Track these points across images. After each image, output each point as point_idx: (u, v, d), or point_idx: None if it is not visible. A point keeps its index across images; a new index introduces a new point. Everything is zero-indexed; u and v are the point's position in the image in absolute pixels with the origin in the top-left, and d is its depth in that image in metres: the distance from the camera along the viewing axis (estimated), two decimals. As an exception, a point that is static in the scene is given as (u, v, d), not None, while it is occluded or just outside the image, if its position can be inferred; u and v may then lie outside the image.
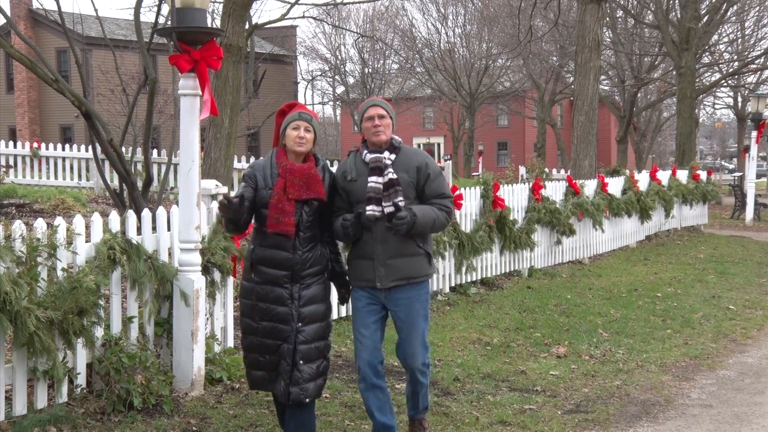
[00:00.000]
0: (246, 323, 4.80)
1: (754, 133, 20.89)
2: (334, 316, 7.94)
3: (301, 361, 4.68)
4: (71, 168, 17.35)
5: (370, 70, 44.91)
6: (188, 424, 5.26)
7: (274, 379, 4.74)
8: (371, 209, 4.77)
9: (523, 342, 7.80)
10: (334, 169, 5.03)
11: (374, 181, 4.79)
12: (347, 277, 5.04)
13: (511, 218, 10.62)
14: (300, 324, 4.71)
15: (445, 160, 32.99)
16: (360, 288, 4.95)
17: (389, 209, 4.75)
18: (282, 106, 4.96)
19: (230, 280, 6.55)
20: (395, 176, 4.79)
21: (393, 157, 4.86)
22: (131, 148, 12.26)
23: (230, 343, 6.66)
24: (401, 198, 4.78)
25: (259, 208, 4.73)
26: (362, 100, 44.20)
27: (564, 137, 41.26)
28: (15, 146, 17.86)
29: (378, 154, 4.85)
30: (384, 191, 4.77)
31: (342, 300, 5.13)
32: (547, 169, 19.43)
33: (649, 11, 28.96)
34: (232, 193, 5.13)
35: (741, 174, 29.06)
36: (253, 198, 4.74)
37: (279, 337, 4.70)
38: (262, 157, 5.18)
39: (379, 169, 4.81)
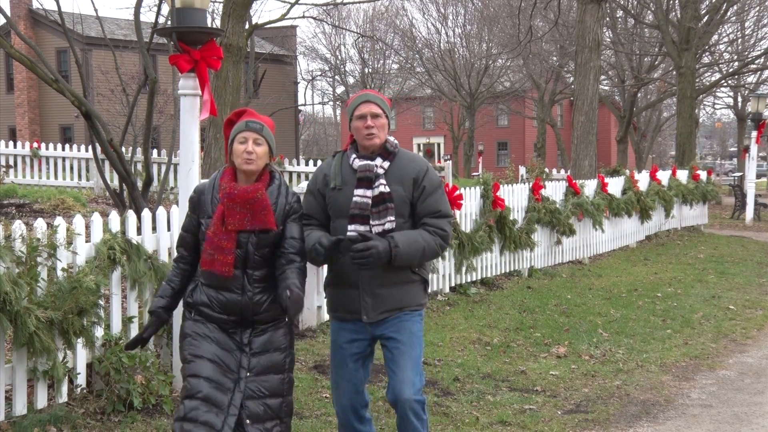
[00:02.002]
0: (184, 369, 3.95)
1: (754, 133, 20.90)
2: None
3: (247, 420, 3.78)
4: (71, 168, 17.37)
5: (370, 70, 44.92)
6: (188, 424, 5.26)
7: None
8: (353, 230, 3.95)
9: (523, 342, 7.81)
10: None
11: (361, 195, 3.96)
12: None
13: (511, 218, 10.62)
14: (249, 374, 3.87)
15: (445, 160, 33.03)
16: (340, 320, 4.17)
17: (377, 229, 3.95)
18: (230, 115, 4.14)
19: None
20: (387, 189, 3.96)
21: (386, 165, 4.02)
22: (131, 148, 12.26)
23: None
24: (392, 218, 3.95)
25: (202, 241, 3.93)
26: (362, 100, 44.22)
27: (564, 137, 41.28)
28: (15, 146, 17.89)
29: (368, 162, 4.00)
30: (373, 207, 3.95)
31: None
32: (547, 169, 19.44)
33: (649, 11, 28.97)
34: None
35: (741, 174, 29.07)
36: (196, 228, 3.98)
37: (218, 389, 3.82)
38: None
39: (368, 180, 3.97)
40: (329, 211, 4.08)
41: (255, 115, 4.04)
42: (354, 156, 4.06)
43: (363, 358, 4.15)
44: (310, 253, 3.98)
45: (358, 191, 3.98)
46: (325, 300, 4.24)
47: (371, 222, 3.95)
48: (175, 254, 4.16)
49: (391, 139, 4.12)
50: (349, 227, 3.97)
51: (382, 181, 3.98)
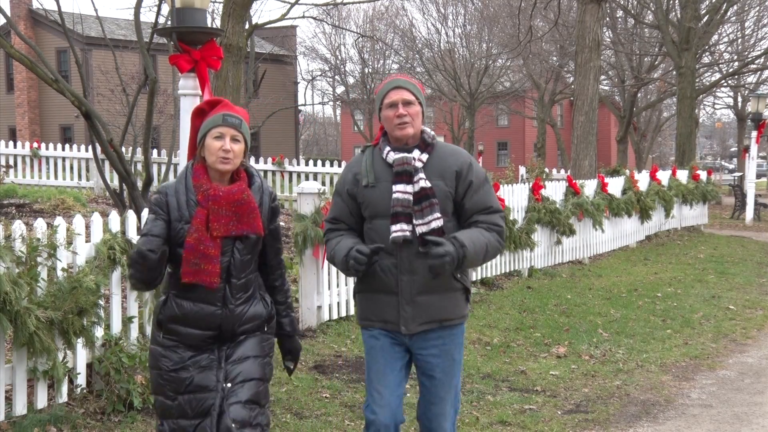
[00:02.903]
0: (159, 403, 3.55)
1: (754, 133, 20.93)
2: (329, 315, 7.93)
3: (234, 425, 3.40)
4: (71, 168, 17.38)
5: (370, 70, 44.91)
6: (188, 424, 5.26)
7: None
8: (399, 229, 3.55)
9: (523, 342, 7.81)
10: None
11: (401, 191, 3.56)
12: (293, 341, 3.77)
13: (511, 218, 10.62)
14: (230, 384, 3.47)
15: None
16: (374, 328, 3.75)
17: (422, 229, 3.54)
18: (200, 104, 3.66)
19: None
20: (428, 184, 3.57)
21: (425, 157, 3.63)
22: (131, 148, 12.27)
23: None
24: (438, 215, 3.56)
25: (175, 246, 3.46)
26: (362, 100, 44.28)
27: (564, 137, 41.28)
28: (15, 146, 17.89)
29: (405, 154, 3.61)
30: (415, 205, 3.55)
31: (289, 372, 3.85)
32: (547, 169, 19.43)
33: (649, 11, 28.97)
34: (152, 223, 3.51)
35: (741, 174, 29.08)
36: (166, 234, 3.44)
37: (198, 413, 3.45)
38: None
39: (407, 174, 3.57)
40: (364, 212, 3.68)
41: (231, 107, 3.55)
42: (388, 148, 3.65)
43: (404, 367, 3.75)
44: (346, 263, 3.58)
45: (398, 187, 3.57)
46: (355, 308, 3.93)
47: (415, 221, 3.54)
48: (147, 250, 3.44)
49: (428, 130, 3.72)
50: (393, 228, 3.56)
51: (422, 175, 3.58)
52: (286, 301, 3.75)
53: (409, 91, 3.63)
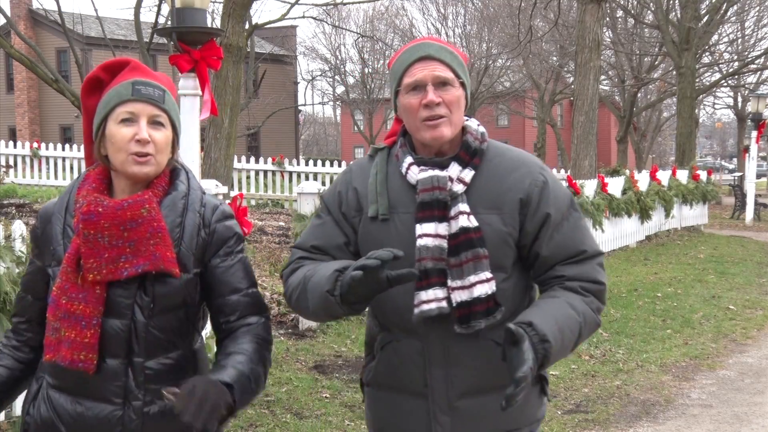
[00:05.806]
0: None
1: (754, 133, 20.93)
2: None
3: None
4: (71, 168, 17.40)
5: (370, 70, 44.92)
6: (188, 424, 5.25)
7: None
8: (433, 298, 2.13)
9: (523, 342, 7.80)
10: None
11: (431, 234, 2.13)
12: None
13: (511, 218, 10.62)
14: None
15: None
16: None
17: (461, 297, 2.12)
18: (94, 71, 2.12)
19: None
20: (474, 223, 2.13)
21: (469, 176, 2.18)
22: (131, 148, 12.27)
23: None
24: (487, 275, 2.13)
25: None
26: (362, 100, 44.23)
27: (564, 137, 41.29)
28: (15, 146, 17.92)
29: (436, 172, 2.16)
30: (452, 256, 2.13)
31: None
32: (547, 169, 19.46)
33: (649, 11, 28.99)
34: None
35: (741, 174, 29.09)
36: (45, 286, 2.14)
37: None
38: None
39: (439, 207, 2.14)
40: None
41: (145, 70, 2.13)
42: (409, 160, 2.21)
43: None
44: (332, 284, 2.02)
45: (426, 227, 2.14)
46: (365, 410, 2.50)
47: (450, 282, 2.13)
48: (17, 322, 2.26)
49: (474, 125, 2.26)
50: (422, 295, 2.13)
51: (463, 206, 2.15)
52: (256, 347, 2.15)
53: (445, 65, 2.17)
